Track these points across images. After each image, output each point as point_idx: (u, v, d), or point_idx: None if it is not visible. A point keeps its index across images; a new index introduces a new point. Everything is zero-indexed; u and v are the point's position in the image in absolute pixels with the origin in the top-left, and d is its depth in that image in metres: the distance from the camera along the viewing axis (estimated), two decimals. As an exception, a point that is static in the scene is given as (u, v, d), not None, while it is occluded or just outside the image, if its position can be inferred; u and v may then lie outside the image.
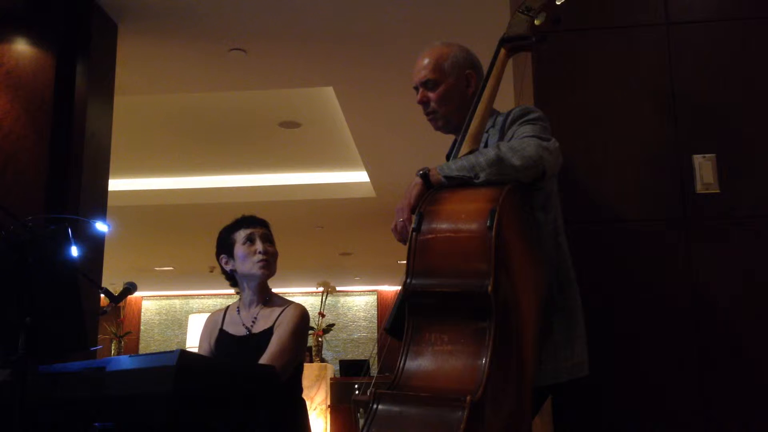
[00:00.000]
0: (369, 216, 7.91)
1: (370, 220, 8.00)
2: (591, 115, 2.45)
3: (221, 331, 2.55)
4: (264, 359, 2.33)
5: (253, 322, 2.51)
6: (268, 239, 2.57)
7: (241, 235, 2.54)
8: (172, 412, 1.71)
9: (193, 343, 9.30)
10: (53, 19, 3.55)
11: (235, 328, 2.53)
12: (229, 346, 2.49)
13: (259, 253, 2.50)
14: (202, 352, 2.55)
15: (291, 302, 2.56)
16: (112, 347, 9.77)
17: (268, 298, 2.56)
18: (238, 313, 2.56)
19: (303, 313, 2.50)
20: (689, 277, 2.30)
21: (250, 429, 1.99)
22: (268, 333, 2.43)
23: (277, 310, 2.50)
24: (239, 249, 2.53)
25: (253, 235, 2.54)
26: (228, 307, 2.64)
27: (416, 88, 2.11)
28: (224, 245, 2.58)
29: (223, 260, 2.58)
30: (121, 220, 7.52)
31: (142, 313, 13.85)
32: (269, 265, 2.52)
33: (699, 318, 2.27)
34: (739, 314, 2.27)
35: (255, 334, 2.47)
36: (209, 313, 2.71)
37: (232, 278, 2.60)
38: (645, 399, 2.24)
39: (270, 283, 2.61)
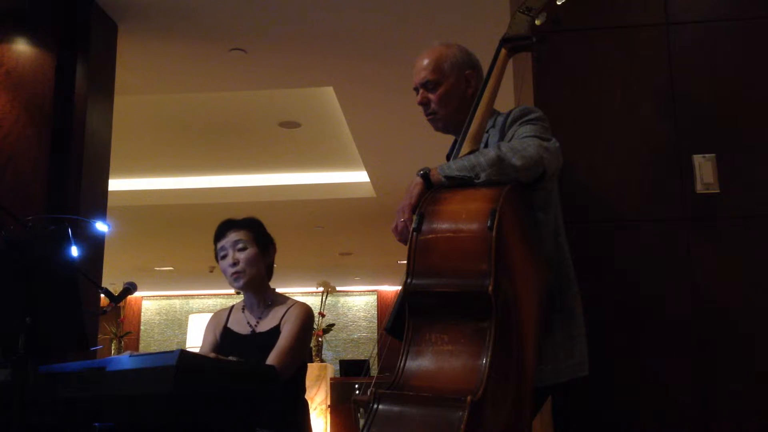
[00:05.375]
0: (369, 216, 7.91)
1: (370, 220, 8.00)
2: (591, 115, 2.45)
3: (225, 328, 2.57)
4: (270, 358, 2.33)
5: (258, 321, 2.52)
6: (238, 245, 2.51)
7: (217, 248, 2.56)
8: (172, 412, 1.71)
9: (192, 343, 9.29)
10: (53, 19, 3.55)
11: (240, 327, 2.54)
12: (234, 344, 2.50)
13: (229, 266, 2.50)
14: (206, 345, 2.56)
15: (295, 301, 2.56)
16: (112, 347, 9.77)
17: (271, 298, 2.57)
18: (243, 312, 2.58)
19: (308, 312, 2.51)
20: (689, 277, 2.30)
21: (250, 429, 1.99)
22: (275, 332, 2.44)
23: (282, 309, 2.51)
24: (220, 264, 2.56)
25: (224, 248, 2.52)
26: (233, 306, 2.65)
27: (416, 89, 2.10)
28: (216, 259, 2.61)
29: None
30: (121, 220, 7.52)
31: (142, 313, 13.84)
32: (241, 274, 2.49)
33: (699, 318, 2.27)
34: (739, 314, 2.27)
35: (260, 334, 2.48)
36: (210, 313, 2.72)
37: None
38: (645, 399, 2.24)
39: (270, 282, 2.62)
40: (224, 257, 2.52)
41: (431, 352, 1.54)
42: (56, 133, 3.41)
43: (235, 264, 2.49)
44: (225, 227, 2.58)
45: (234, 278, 2.50)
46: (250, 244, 2.53)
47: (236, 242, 2.52)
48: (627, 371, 2.26)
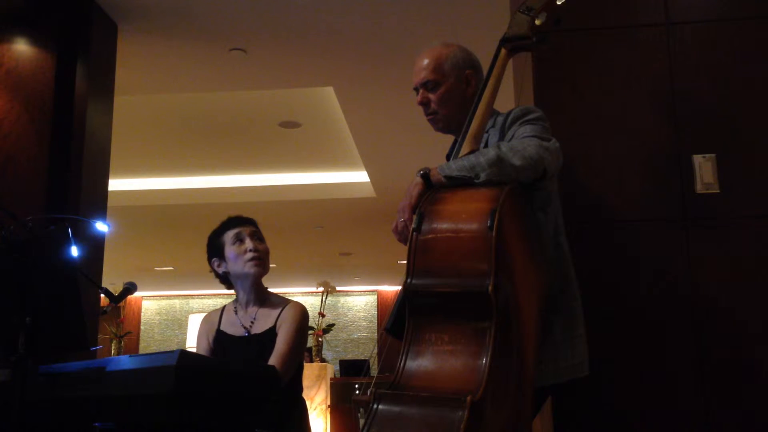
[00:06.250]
0: (369, 216, 7.91)
1: (370, 220, 8.00)
2: (591, 115, 2.46)
3: (219, 331, 2.53)
4: (272, 360, 2.32)
5: (252, 322, 2.49)
6: (257, 237, 2.54)
7: (229, 235, 2.52)
8: (172, 412, 1.71)
9: (193, 343, 9.28)
10: (53, 19, 3.55)
11: (234, 329, 2.51)
12: (228, 346, 2.48)
13: (250, 251, 2.48)
14: (200, 351, 2.54)
15: (289, 300, 2.54)
16: (112, 347, 9.76)
17: (264, 298, 2.54)
18: (236, 314, 2.55)
19: (303, 312, 2.49)
20: (689, 277, 2.30)
21: (250, 429, 1.99)
22: (271, 333, 2.42)
23: (277, 310, 2.49)
24: (229, 250, 2.51)
25: (242, 234, 2.52)
26: (225, 306, 2.62)
27: (416, 89, 2.10)
28: (214, 248, 2.56)
29: (215, 263, 2.56)
30: (121, 220, 7.52)
31: (142, 313, 13.85)
32: (262, 262, 2.50)
33: (699, 318, 2.27)
34: (739, 314, 2.27)
35: (255, 335, 2.46)
36: (206, 314, 2.70)
37: (227, 280, 2.58)
38: (645, 399, 2.24)
39: (270, 283, 2.60)
40: (241, 242, 2.50)
41: (431, 352, 1.54)
42: (56, 133, 3.41)
43: (256, 250, 2.49)
44: (241, 219, 2.58)
45: (255, 264, 2.48)
46: (264, 239, 2.57)
47: (255, 233, 2.54)
48: (627, 371, 2.25)
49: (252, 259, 2.48)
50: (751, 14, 2.47)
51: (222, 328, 2.54)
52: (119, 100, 3.97)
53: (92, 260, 3.40)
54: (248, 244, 2.50)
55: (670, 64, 2.45)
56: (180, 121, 5.92)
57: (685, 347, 2.26)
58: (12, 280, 1.83)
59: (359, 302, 13.79)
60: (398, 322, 1.65)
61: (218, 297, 13.40)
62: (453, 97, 2.06)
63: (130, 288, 2.27)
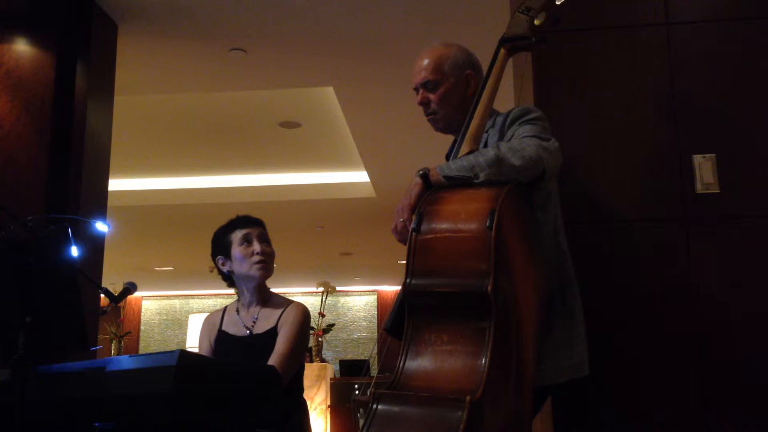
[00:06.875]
0: (369, 216, 7.90)
1: (370, 220, 8.00)
2: (591, 115, 2.45)
3: (220, 331, 2.54)
4: (272, 360, 2.33)
5: (254, 322, 2.50)
6: (264, 239, 2.54)
7: (237, 235, 2.52)
8: (172, 412, 1.71)
9: (193, 343, 9.29)
10: (53, 19, 3.55)
11: (236, 329, 2.52)
12: (230, 347, 2.48)
13: (257, 254, 2.48)
14: (202, 352, 2.54)
15: (291, 301, 2.55)
16: (112, 347, 9.76)
17: (267, 298, 2.55)
18: (238, 314, 2.55)
19: (305, 313, 2.50)
20: (689, 277, 2.30)
21: (250, 429, 1.99)
22: (272, 333, 2.42)
23: (278, 310, 2.49)
24: (236, 250, 2.51)
25: (250, 236, 2.51)
26: (226, 307, 2.62)
27: (416, 89, 2.10)
28: (220, 246, 2.56)
29: (220, 261, 2.56)
30: (121, 220, 7.52)
31: (142, 313, 13.84)
32: (267, 266, 2.51)
33: (699, 318, 2.27)
34: (739, 314, 2.27)
35: (257, 335, 2.46)
36: (207, 314, 2.70)
37: (230, 279, 2.59)
38: (645, 399, 2.24)
39: (270, 283, 2.60)
40: (248, 243, 2.50)
41: (430, 351, 1.54)
42: (56, 133, 3.41)
43: (263, 253, 2.49)
44: (250, 219, 2.58)
45: (260, 267, 2.48)
46: (270, 242, 2.56)
47: (262, 234, 2.54)
48: (627, 372, 2.25)
49: (258, 263, 2.48)
50: (751, 14, 2.47)
51: (224, 328, 2.54)
52: (119, 100, 3.97)
53: (92, 260, 3.40)
54: (256, 246, 2.50)
55: (670, 64, 2.45)
56: (180, 121, 5.92)
57: (685, 347, 2.26)
58: (12, 280, 1.83)
59: (359, 302, 13.79)
60: (398, 322, 1.65)
61: (218, 297, 13.40)
62: (453, 97, 2.06)
63: (130, 288, 2.27)
